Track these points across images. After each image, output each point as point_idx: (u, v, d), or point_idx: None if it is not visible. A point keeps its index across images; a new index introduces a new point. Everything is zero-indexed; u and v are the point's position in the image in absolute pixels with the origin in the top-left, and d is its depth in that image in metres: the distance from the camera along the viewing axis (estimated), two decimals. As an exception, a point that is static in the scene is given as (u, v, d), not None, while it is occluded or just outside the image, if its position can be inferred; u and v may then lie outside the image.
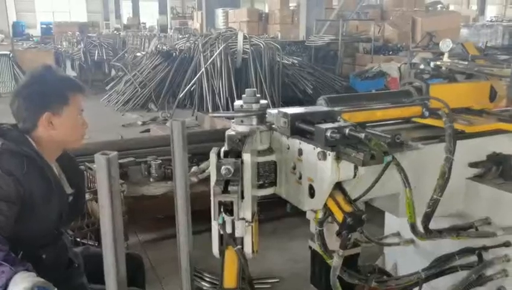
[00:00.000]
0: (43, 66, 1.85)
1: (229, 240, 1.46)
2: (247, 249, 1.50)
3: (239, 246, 1.47)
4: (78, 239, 2.81)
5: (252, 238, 1.50)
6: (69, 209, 1.87)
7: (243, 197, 1.44)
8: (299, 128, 1.59)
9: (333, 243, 1.67)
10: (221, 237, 1.49)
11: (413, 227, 1.70)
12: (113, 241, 1.03)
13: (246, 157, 1.43)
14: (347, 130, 1.45)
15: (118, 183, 1.02)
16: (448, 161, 1.67)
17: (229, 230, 1.46)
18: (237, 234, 1.46)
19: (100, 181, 1.01)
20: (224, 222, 1.44)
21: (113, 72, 12.46)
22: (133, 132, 7.27)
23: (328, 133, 1.44)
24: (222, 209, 1.39)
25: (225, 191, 1.36)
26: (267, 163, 1.68)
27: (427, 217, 1.72)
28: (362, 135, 1.42)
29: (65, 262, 1.90)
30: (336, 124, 1.50)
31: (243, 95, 1.73)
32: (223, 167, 1.37)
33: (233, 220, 1.44)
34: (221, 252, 1.52)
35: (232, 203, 1.36)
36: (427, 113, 1.92)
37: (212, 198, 1.39)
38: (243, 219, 1.45)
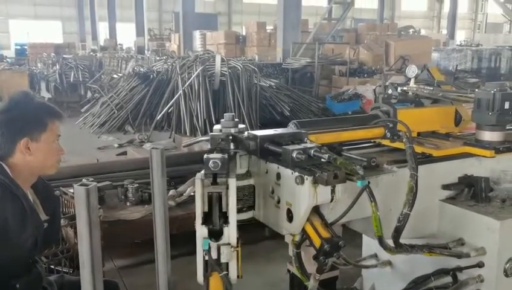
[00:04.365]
0: (21, 92, 1.84)
1: (215, 266, 1.45)
2: (233, 274, 1.50)
3: (225, 272, 1.47)
4: (53, 266, 2.73)
5: (238, 263, 1.50)
6: (44, 235, 1.83)
7: (227, 223, 1.45)
8: (267, 150, 1.62)
9: (311, 266, 1.68)
10: (205, 263, 1.48)
11: (380, 240, 1.71)
12: (91, 272, 1.01)
13: (232, 182, 1.44)
14: (312, 151, 1.52)
15: (97, 214, 1.01)
16: (413, 178, 1.73)
17: (214, 256, 1.46)
18: (223, 260, 1.46)
19: (79, 212, 1.00)
20: (210, 248, 1.44)
21: (89, 94, 12.31)
22: (109, 154, 7.14)
23: (294, 154, 1.49)
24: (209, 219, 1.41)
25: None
26: (246, 187, 1.70)
27: (397, 232, 1.74)
28: (326, 156, 1.48)
29: (39, 291, 1.85)
30: (301, 146, 1.56)
31: (222, 120, 1.75)
32: (211, 161, 1.40)
33: (218, 246, 1.45)
34: (206, 279, 1.50)
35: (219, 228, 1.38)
36: (389, 134, 2.00)
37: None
38: (229, 244, 1.46)
